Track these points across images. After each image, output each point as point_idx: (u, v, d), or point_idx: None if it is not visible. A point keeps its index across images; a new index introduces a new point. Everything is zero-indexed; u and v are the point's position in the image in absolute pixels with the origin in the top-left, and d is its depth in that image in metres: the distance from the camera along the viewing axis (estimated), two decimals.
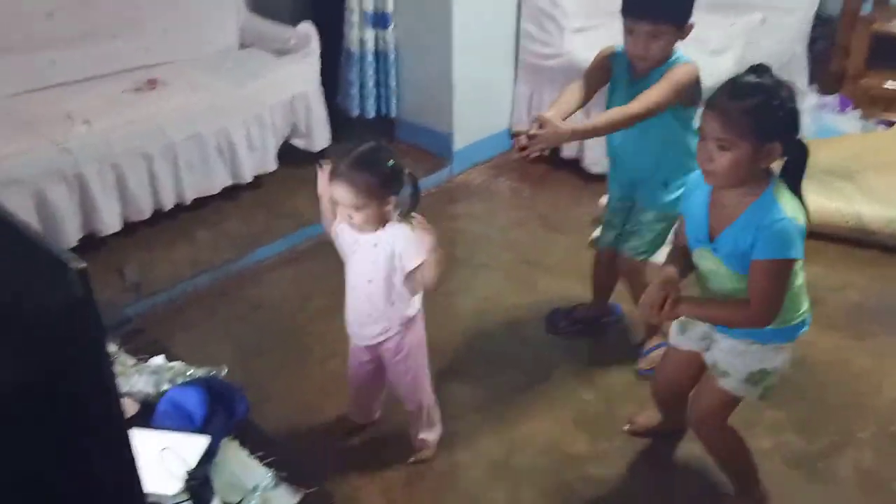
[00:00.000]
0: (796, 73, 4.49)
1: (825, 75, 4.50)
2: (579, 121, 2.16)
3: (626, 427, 2.28)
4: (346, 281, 1.96)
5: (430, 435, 2.19)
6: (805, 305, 1.75)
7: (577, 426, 2.31)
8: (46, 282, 0.90)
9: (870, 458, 2.20)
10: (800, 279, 1.70)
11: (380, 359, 2.06)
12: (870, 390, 2.41)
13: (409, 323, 1.98)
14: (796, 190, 1.63)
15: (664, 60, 2.10)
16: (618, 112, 2.05)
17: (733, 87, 1.54)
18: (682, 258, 1.79)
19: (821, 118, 3.97)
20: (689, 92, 2.10)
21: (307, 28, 3.53)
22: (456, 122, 3.67)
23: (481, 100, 3.72)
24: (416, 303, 1.98)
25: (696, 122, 1.95)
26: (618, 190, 2.42)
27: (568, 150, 3.64)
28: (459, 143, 3.70)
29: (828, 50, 4.65)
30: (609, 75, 2.22)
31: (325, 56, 3.57)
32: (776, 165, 1.64)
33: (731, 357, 1.77)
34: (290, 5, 4.26)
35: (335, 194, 1.79)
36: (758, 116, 1.50)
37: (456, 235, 3.31)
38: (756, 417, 2.28)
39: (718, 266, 1.67)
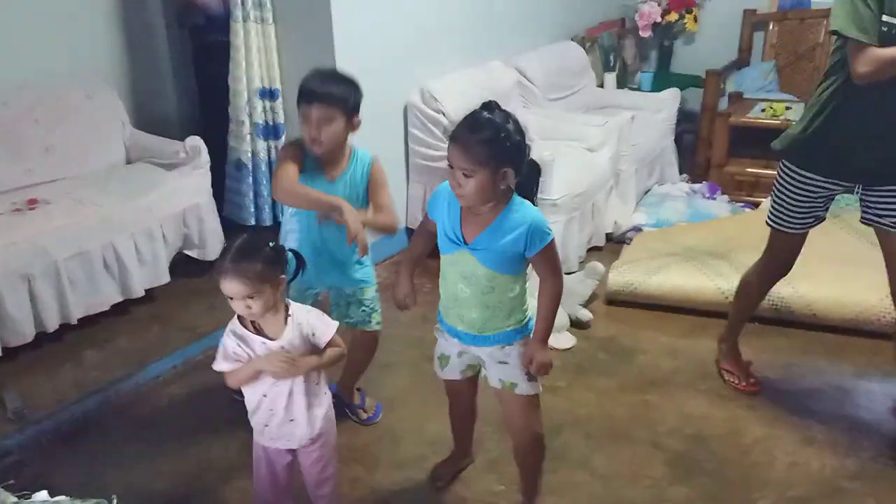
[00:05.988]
0: (667, 164, 4.84)
1: (693, 165, 4.88)
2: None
3: (438, 484, 2.39)
4: (255, 391, 1.89)
5: None
6: (529, 303, 2.00)
7: None
8: None
9: None
10: (527, 282, 1.98)
11: (293, 460, 2.01)
12: (765, 459, 2.50)
13: (327, 419, 1.97)
14: (532, 201, 1.93)
15: (339, 150, 2.30)
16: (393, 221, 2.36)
17: (472, 122, 1.80)
18: (426, 241, 2.10)
19: (694, 204, 4.25)
20: None
21: (196, 141, 3.55)
22: None
23: None
24: (328, 397, 1.99)
25: None
26: (320, 282, 2.41)
27: None
28: None
29: (693, 142, 5.05)
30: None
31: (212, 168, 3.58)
32: None
33: (503, 368, 2.01)
34: (177, 121, 4.28)
35: (226, 291, 1.76)
36: (490, 147, 1.76)
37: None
38: (666, 496, 2.33)
39: (476, 266, 1.89)
